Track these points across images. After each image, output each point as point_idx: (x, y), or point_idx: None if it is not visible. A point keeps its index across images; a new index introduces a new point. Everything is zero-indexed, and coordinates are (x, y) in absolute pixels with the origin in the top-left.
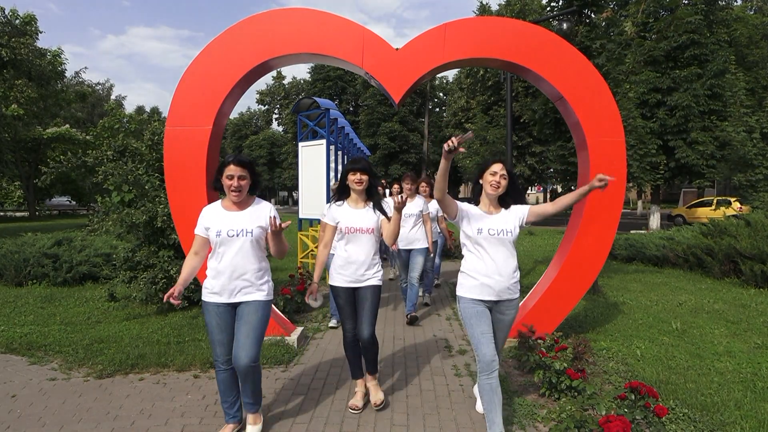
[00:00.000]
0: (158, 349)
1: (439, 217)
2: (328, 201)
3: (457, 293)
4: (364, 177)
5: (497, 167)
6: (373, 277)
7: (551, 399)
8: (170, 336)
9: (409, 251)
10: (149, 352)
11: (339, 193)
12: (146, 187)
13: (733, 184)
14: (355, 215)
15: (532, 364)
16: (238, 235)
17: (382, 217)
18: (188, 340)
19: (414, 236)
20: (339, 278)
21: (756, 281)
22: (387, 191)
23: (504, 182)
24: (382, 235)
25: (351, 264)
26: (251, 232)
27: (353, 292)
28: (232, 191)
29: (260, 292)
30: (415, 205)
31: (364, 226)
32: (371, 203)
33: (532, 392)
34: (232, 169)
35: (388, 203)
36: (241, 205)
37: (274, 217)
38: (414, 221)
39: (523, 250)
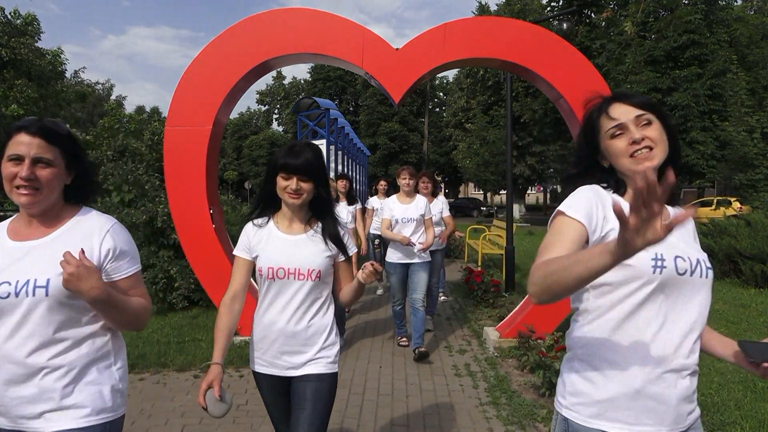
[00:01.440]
0: (158, 349)
1: (444, 218)
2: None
3: (568, 416)
4: (305, 185)
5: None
6: (316, 360)
7: (551, 399)
8: (170, 336)
9: (407, 266)
10: (149, 352)
11: (262, 204)
12: (146, 187)
13: (734, 184)
14: (286, 246)
15: (532, 364)
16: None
17: (340, 256)
18: (188, 340)
19: (416, 246)
20: (259, 361)
21: (756, 281)
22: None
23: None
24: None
25: (269, 337)
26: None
27: (286, 385)
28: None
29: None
30: (414, 207)
31: (301, 265)
32: (319, 226)
33: (532, 392)
34: (21, 142)
35: (375, 207)
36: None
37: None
38: (414, 228)
39: (523, 250)
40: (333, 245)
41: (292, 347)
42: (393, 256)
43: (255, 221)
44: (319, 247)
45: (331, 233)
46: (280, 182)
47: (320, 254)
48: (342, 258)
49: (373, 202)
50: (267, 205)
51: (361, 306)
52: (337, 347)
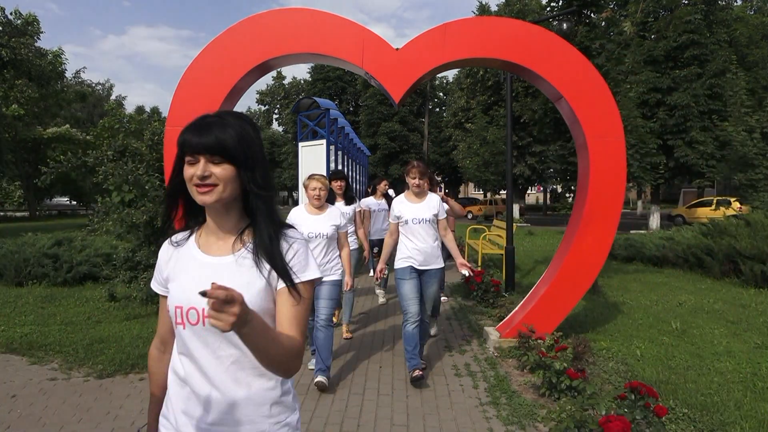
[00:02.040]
0: None
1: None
2: (328, 201)
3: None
4: (218, 171)
5: None
6: None
7: (551, 399)
8: None
9: (422, 273)
10: None
11: (172, 209)
12: (146, 187)
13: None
14: (204, 274)
15: (532, 364)
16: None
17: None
18: None
19: (431, 251)
20: None
21: (756, 281)
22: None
23: None
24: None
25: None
26: None
27: None
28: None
29: None
30: (426, 207)
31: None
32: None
33: (532, 392)
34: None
35: (372, 208)
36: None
37: None
38: (427, 231)
39: (523, 250)
40: (269, 267)
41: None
42: (404, 260)
43: (173, 238)
44: (245, 276)
45: (266, 249)
46: (186, 171)
47: (247, 286)
48: (282, 285)
49: (369, 202)
50: (188, 212)
51: (362, 305)
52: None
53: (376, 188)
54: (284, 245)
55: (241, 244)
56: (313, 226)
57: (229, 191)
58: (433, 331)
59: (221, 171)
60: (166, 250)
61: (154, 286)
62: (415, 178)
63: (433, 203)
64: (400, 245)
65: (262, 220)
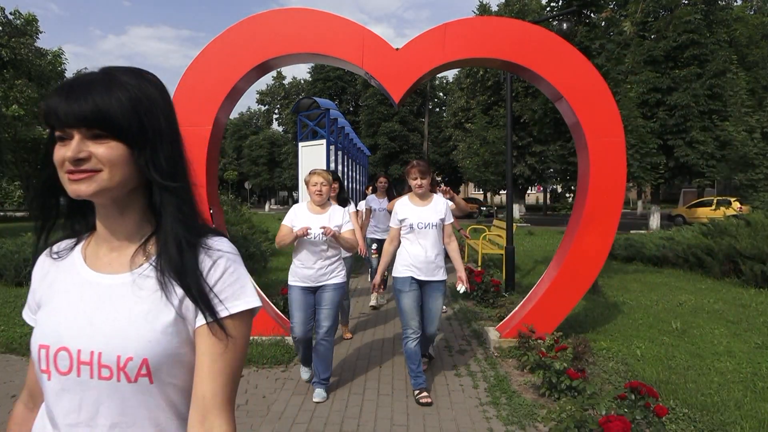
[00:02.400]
0: None
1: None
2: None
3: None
4: (102, 152)
5: None
6: None
7: (551, 399)
8: None
9: (424, 285)
10: None
11: (47, 209)
12: None
13: (734, 184)
14: (86, 300)
15: (532, 364)
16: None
17: (199, 319)
18: None
19: (435, 260)
20: None
21: (756, 281)
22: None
23: None
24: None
25: None
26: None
27: None
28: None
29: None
30: (433, 210)
31: (104, 346)
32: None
33: (532, 392)
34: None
35: (374, 207)
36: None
37: None
38: (435, 237)
39: (523, 250)
40: (181, 293)
41: None
42: (405, 269)
43: (53, 247)
44: (146, 303)
45: (174, 264)
46: (56, 152)
47: (147, 319)
48: (202, 322)
49: (371, 201)
50: (75, 212)
51: (362, 306)
52: None
53: (377, 186)
54: (205, 261)
55: (144, 258)
56: (314, 225)
57: (119, 180)
58: (430, 350)
59: (105, 151)
60: (41, 264)
61: (26, 315)
62: (416, 179)
63: (440, 206)
64: (401, 251)
65: (168, 223)
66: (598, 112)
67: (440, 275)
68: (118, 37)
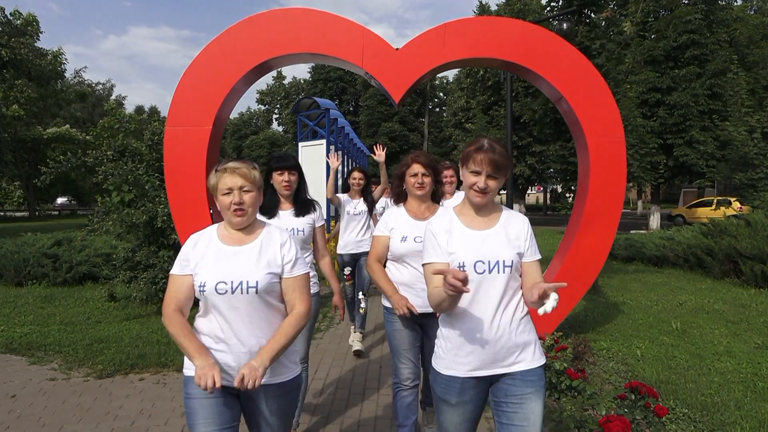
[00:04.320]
0: (158, 349)
1: None
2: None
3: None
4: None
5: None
6: None
7: (551, 399)
8: (170, 336)
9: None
10: (149, 352)
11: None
12: (146, 187)
13: (734, 184)
14: None
15: None
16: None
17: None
18: None
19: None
20: None
21: (756, 281)
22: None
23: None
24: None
25: None
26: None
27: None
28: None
29: None
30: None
31: None
32: None
33: None
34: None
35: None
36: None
37: None
38: None
39: None
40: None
41: None
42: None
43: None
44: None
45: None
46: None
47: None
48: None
49: (345, 203)
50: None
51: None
52: None
53: (349, 183)
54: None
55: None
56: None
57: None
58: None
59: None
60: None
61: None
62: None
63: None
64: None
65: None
66: (598, 112)
67: None
68: (118, 37)
